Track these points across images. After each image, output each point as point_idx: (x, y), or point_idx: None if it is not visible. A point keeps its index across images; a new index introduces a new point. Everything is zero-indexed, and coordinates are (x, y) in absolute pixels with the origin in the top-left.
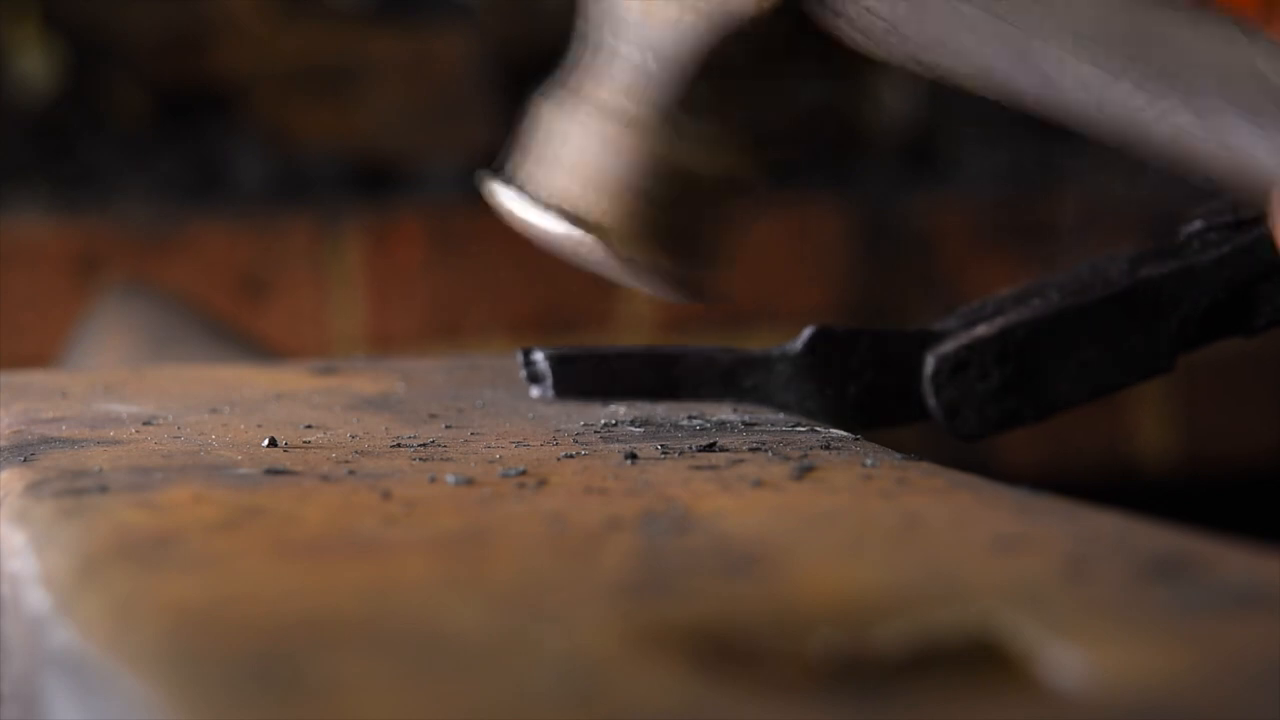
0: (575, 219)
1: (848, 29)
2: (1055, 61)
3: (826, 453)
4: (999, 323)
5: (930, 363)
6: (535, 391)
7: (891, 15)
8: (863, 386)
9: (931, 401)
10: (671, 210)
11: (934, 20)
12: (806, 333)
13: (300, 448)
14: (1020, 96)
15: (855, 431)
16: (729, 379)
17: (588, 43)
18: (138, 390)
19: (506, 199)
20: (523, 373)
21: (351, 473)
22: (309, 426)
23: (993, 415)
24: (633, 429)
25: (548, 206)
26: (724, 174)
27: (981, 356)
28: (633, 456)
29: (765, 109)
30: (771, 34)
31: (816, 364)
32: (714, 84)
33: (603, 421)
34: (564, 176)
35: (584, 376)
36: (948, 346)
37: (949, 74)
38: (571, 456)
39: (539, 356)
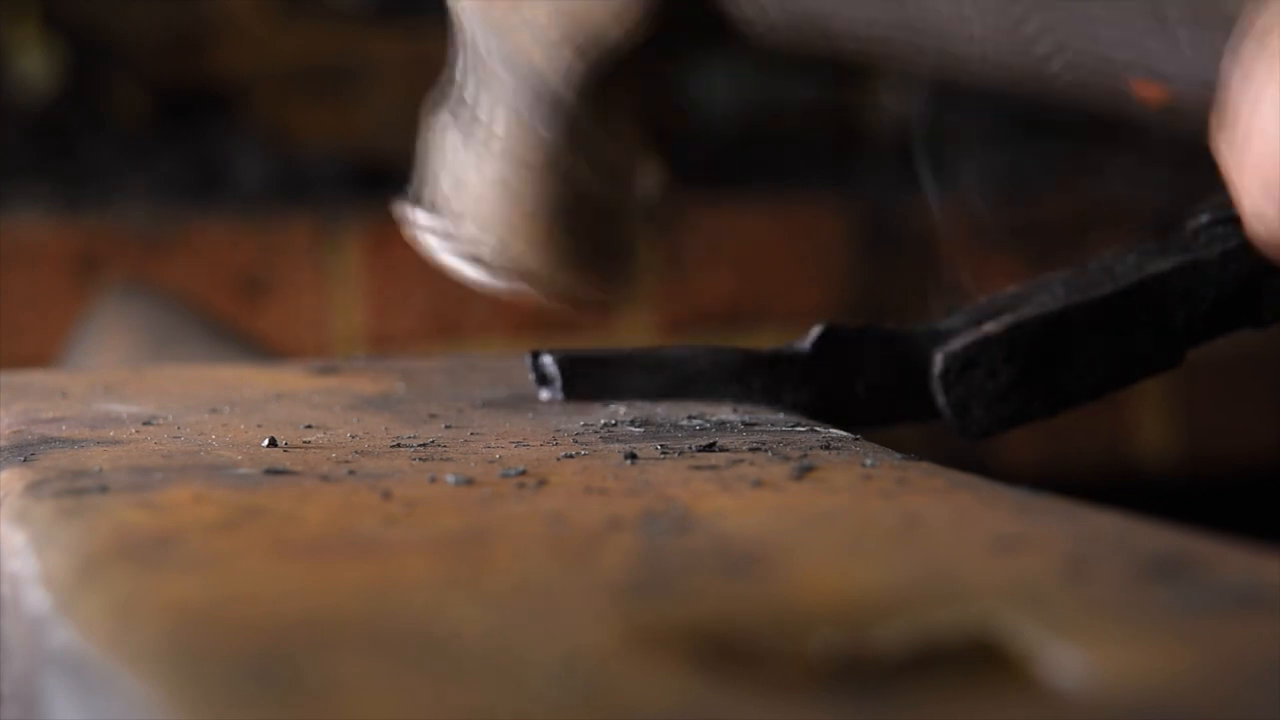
0: (490, 263)
1: (734, 16)
2: (939, 19)
3: (826, 453)
4: (1007, 320)
5: (939, 361)
6: (545, 394)
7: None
8: (870, 385)
9: (940, 400)
10: (583, 234)
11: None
12: (814, 332)
13: (300, 448)
14: (915, 58)
15: (863, 430)
16: (738, 379)
17: (468, 57)
18: (138, 390)
19: (424, 240)
20: (531, 375)
21: (351, 473)
22: (309, 426)
23: (1002, 413)
24: (633, 429)
25: (463, 253)
26: (626, 187)
27: (990, 354)
28: (633, 456)
29: (657, 112)
30: (646, 47)
31: (825, 363)
32: (600, 105)
33: (603, 421)
34: (473, 219)
35: (592, 378)
36: (956, 345)
37: (842, 47)
38: (571, 456)
39: (548, 359)
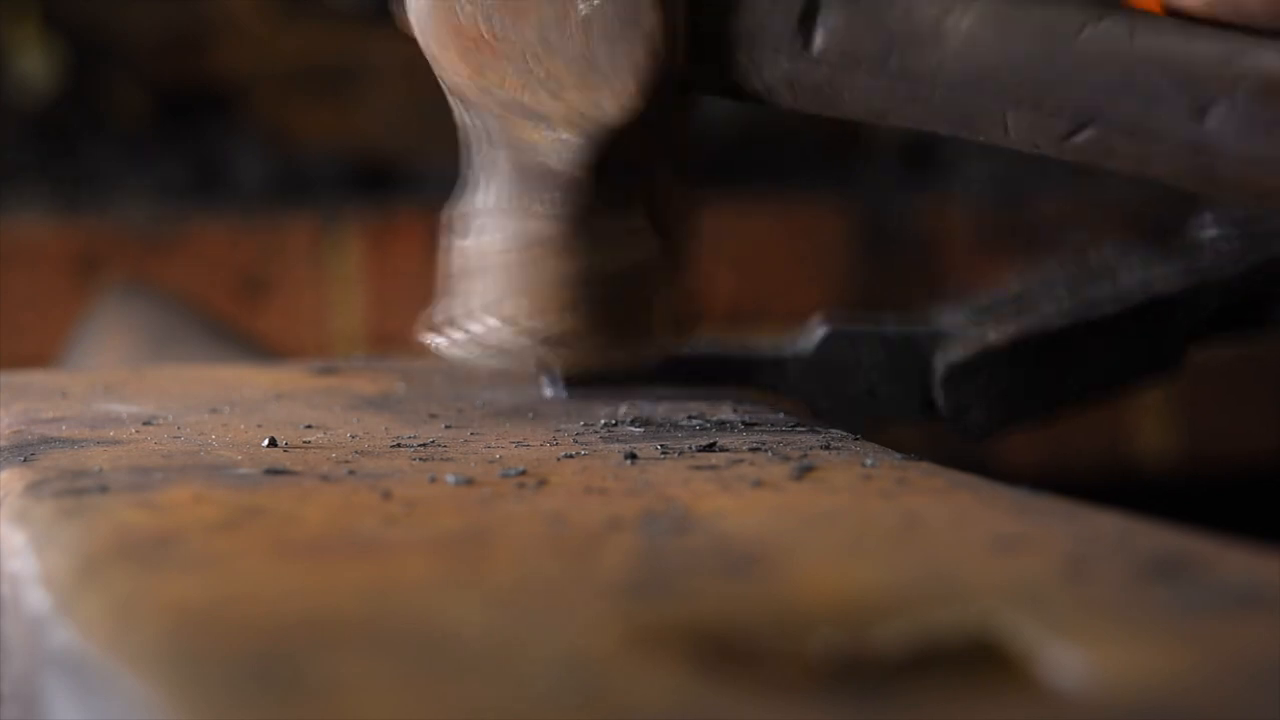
0: (520, 355)
1: (751, 90)
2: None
3: (826, 453)
4: (1010, 331)
5: (940, 369)
6: (548, 391)
7: (809, 87)
8: (872, 386)
9: (941, 403)
10: (608, 308)
11: (853, 94)
12: (819, 333)
13: (300, 448)
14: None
15: (863, 429)
16: (742, 377)
17: (477, 163)
18: (138, 390)
19: (454, 353)
20: (533, 371)
21: (351, 473)
22: (309, 426)
23: (1001, 415)
24: (633, 429)
25: (494, 351)
26: (647, 255)
27: (992, 364)
28: (633, 456)
29: (673, 175)
30: (650, 121)
31: (828, 363)
32: (610, 179)
33: (603, 421)
34: (498, 315)
35: (597, 376)
36: (957, 354)
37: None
38: (571, 456)
39: None
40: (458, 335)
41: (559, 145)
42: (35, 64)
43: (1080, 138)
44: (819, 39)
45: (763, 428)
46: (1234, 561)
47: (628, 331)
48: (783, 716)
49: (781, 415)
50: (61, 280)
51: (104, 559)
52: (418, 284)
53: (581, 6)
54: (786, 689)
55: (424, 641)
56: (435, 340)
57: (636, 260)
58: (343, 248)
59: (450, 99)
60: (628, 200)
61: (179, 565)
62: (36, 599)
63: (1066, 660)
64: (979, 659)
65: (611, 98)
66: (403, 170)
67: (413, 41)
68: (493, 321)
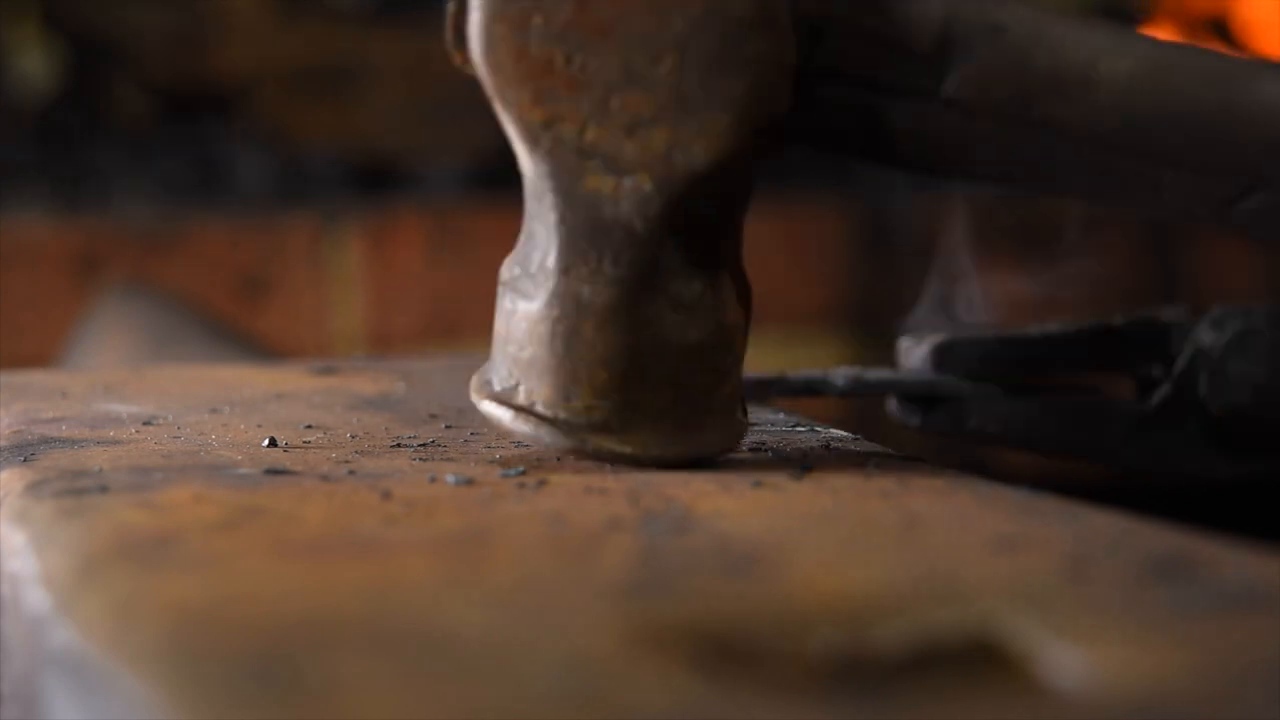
0: (571, 439)
1: (861, 144)
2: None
3: (826, 453)
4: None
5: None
6: None
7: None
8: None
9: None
10: (663, 384)
11: (985, 146)
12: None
13: (300, 448)
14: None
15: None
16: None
17: (535, 214)
18: (138, 390)
19: (508, 422)
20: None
21: (351, 473)
22: (309, 426)
23: None
24: None
25: (534, 418)
26: (714, 328)
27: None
28: None
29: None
30: (739, 170)
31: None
32: (688, 237)
33: None
34: (539, 376)
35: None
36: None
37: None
38: (571, 456)
39: None
40: (505, 411)
41: (631, 194)
42: (35, 64)
43: (1248, 203)
44: (952, 79)
45: (762, 428)
46: (1234, 561)
47: (697, 415)
48: (783, 716)
49: (781, 415)
50: (61, 280)
51: (104, 559)
52: (418, 284)
53: (677, 22)
54: (786, 689)
55: (424, 641)
56: (487, 408)
57: (712, 331)
58: (343, 248)
59: (514, 142)
60: (703, 261)
61: (179, 565)
62: (36, 599)
63: (1066, 660)
64: (979, 659)
65: (701, 138)
66: (403, 170)
67: (413, 42)
68: (539, 401)
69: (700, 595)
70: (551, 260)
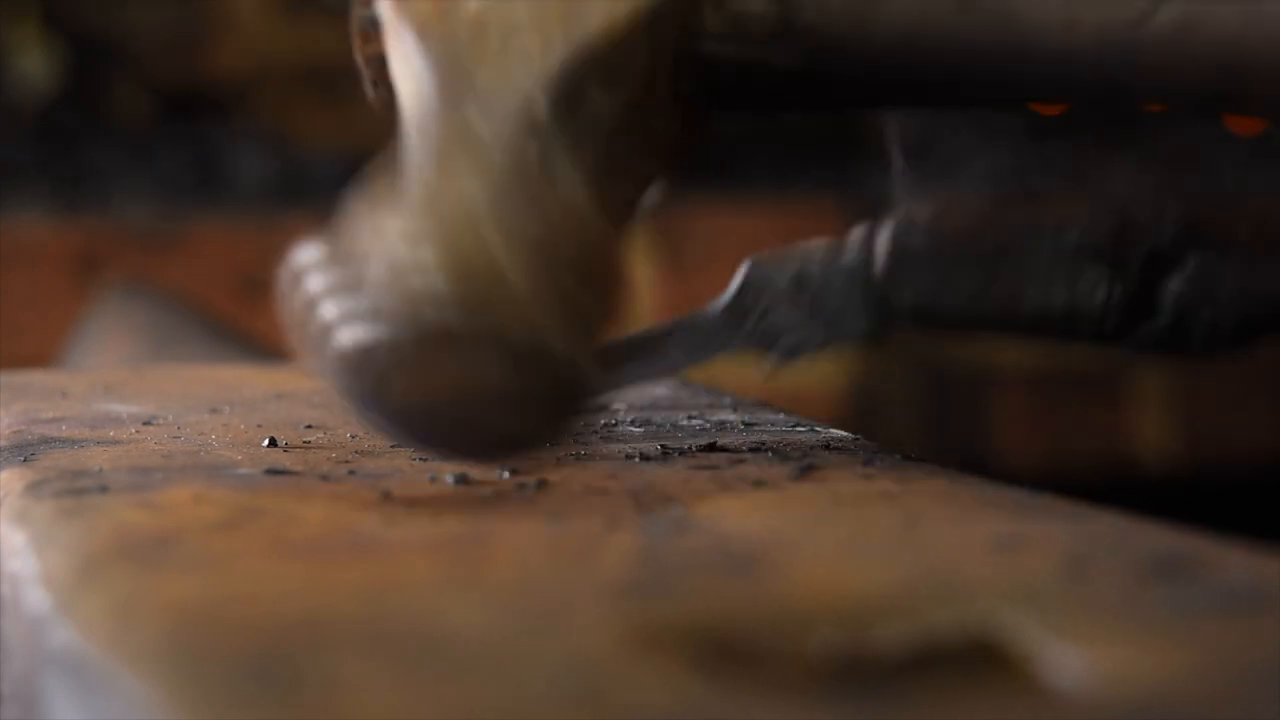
0: (433, 316)
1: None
2: None
3: (826, 453)
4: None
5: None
6: None
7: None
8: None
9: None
10: (563, 266)
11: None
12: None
13: (300, 448)
14: (968, 59)
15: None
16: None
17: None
18: (138, 390)
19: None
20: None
21: (351, 473)
22: (309, 426)
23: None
24: (633, 429)
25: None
26: (618, 209)
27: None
28: (633, 456)
29: (639, 155)
30: (644, 63)
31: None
32: (589, 114)
33: (602, 421)
34: (411, 270)
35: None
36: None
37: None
38: (571, 456)
39: None
40: (344, 315)
41: (520, 70)
42: (35, 64)
43: (1165, 13)
44: None
45: (762, 428)
46: (1234, 561)
47: (590, 292)
48: (783, 716)
49: (781, 415)
50: (61, 280)
51: (104, 559)
52: None
53: None
54: (786, 689)
55: (424, 641)
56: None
57: (609, 213)
58: None
59: (400, 49)
60: (608, 143)
61: (179, 565)
62: (36, 599)
63: (1066, 660)
64: (979, 659)
65: (606, 15)
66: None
67: None
68: (416, 282)
69: (700, 595)
70: (434, 160)
